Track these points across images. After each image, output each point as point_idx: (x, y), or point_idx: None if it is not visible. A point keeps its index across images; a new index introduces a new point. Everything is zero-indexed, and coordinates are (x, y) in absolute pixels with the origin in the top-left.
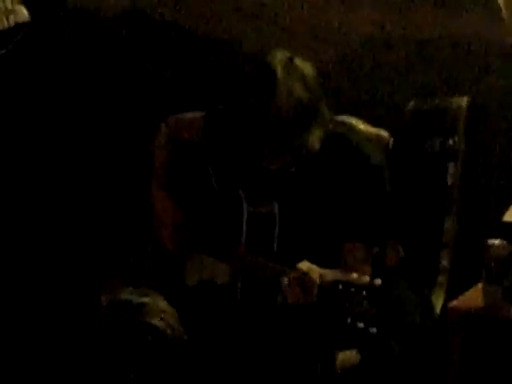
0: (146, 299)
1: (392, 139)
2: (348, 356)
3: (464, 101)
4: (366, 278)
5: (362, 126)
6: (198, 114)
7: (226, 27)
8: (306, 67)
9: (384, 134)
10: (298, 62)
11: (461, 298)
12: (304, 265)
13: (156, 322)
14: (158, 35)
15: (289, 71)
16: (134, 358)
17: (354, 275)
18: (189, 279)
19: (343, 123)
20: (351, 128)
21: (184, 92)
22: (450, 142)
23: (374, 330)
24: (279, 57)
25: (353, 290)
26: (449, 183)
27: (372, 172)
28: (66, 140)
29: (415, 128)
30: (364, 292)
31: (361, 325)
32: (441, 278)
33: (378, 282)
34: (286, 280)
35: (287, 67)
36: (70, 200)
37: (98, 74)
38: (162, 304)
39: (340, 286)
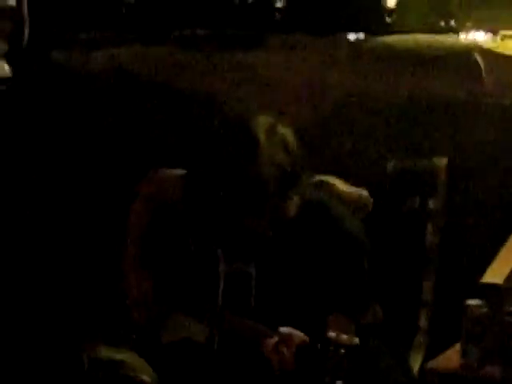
0: (124, 356)
1: (372, 199)
2: None
3: (443, 161)
4: (344, 337)
5: (342, 186)
6: (179, 173)
7: (207, 85)
8: (288, 133)
9: (364, 193)
10: (280, 127)
11: (439, 357)
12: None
13: (144, 377)
14: (140, 92)
15: (271, 136)
16: None
17: (333, 334)
18: (165, 338)
19: (322, 185)
20: (330, 190)
21: (166, 149)
22: (430, 202)
23: None
24: (262, 122)
25: (332, 348)
26: (427, 243)
27: (349, 242)
28: (47, 195)
29: (395, 188)
30: (342, 350)
31: (339, 383)
32: (419, 338)
33: (356, 340)
34: (270, 344)
35: (269, 132)
36: (46, 258)
37: (81, 130)
38: (140, 362)
39: (318, 345)
